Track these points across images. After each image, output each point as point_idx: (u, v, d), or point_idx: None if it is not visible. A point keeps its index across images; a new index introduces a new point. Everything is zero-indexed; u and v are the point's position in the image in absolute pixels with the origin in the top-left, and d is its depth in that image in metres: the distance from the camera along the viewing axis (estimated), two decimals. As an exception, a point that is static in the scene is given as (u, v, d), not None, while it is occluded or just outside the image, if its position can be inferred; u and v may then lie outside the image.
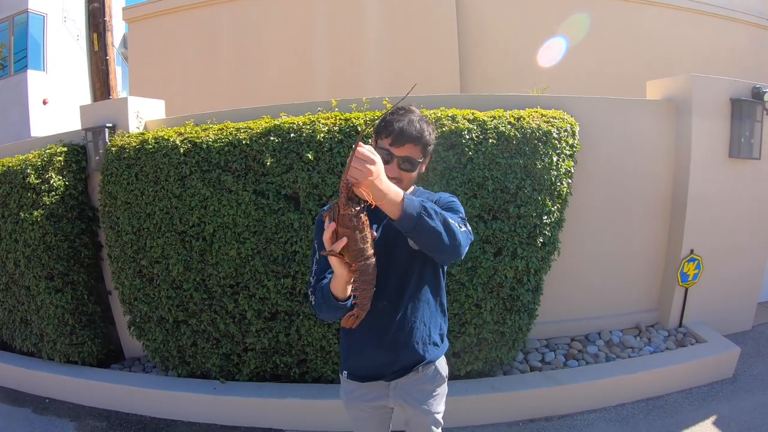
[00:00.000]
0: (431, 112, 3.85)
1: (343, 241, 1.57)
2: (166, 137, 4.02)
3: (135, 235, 4.10)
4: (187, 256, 3.94)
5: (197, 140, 3.89)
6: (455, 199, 2.03)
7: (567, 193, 4.07)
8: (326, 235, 1.60)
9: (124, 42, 9.04)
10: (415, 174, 1.96)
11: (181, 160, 3.87)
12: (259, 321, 3.89)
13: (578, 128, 4.25)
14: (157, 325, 4.26)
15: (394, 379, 2.08)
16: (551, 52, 7.10)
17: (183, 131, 4.06)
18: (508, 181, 3.81)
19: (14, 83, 12.37)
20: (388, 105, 3.97)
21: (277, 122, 3.80)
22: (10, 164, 4.87)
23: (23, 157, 4.86)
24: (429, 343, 2.06)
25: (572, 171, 4.13)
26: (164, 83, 6.96)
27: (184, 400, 4.19)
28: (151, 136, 4.12)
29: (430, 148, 1.97)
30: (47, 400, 4.79)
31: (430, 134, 1.95)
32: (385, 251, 1.87)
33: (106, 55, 5.73)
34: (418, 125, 1.90)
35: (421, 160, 1.95)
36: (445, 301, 2.16)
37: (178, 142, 3.93)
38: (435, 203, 1.94)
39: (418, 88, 4.22)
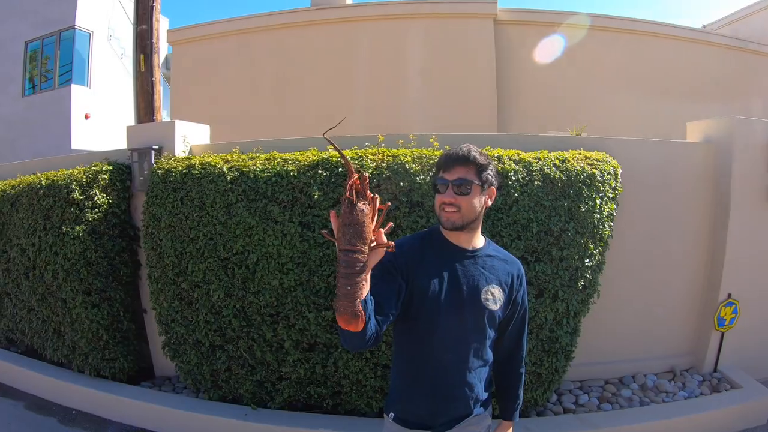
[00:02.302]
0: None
1: (334, 217, 1.50)
2: (213, 164, 3.81)
3: (177, 258, 3.87)
4: (229, 282, 3.70)
5: (244, 169, 3.67)
6: (523, 269, 1.92)
7: (609, 236, 3.83)
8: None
9: (166, 63, 8.91)
10: (474, 201, 1.74)
11: (228, 187, 3.65)
12: (297, 351, 3.63)
13: (620, 171, 4.02)
14: (192, 347, 4.01)
15: (443, 430, 1.88)
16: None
17: (230, 158, 3.85)
18: (552, 224, 3.58)
19: (58, 96, 12.25)
20: (435, 143, 3.75)
21: (324, 155, 3.58)
22: (55, 178, 4.66)
23: (68, 172, 4.66)
24: (481, 399, 1.89)
25: (614, 214, 3.89)
26: (205, 106, 6.78)
27: (214, 424, 3.93)
28: (197, 162, 3.91)
29: (487, 173, 1.76)
30: (74, 412, 4.54)
31: (485, 158, 1.76)
32: (455, 303, 1.73)
33: (152, 76, 5.55)
34: (465, 148, 1.75)
35: (476, 182, 1.73)
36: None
37: (225, 169, 3.71)
38: (511, 278, 1.85)
39: (457, 125, 4.06)
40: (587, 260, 3.68)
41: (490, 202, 1.80)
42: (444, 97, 6.48)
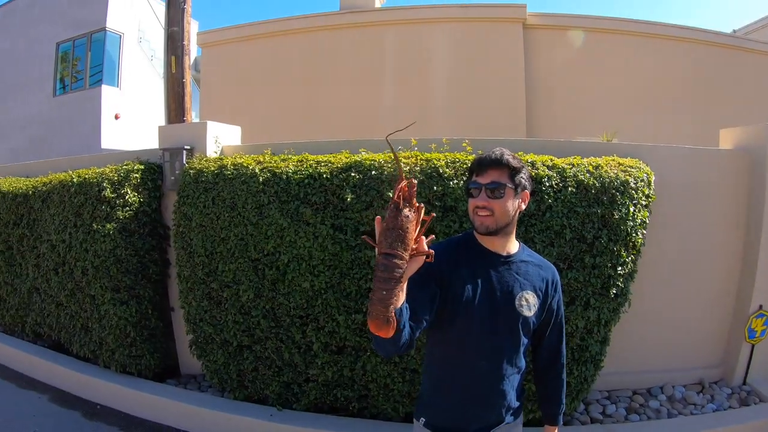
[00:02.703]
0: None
1: (378, 223, 1.47)
2: (245, 164, 3.76)
3: (207, 257, 3.83)
4: (259, 283, 3.64)
5: (277, 170, 3.63)
6: (558, 275, 1.89)
7: (641, 244, 3.72)
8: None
9: (196, 65, 8.93)
10: (507, 205, 1.69)
11: (260, 188, 3.61)
12: (325, 354, 3.57)
13: (653, 178, 3.91)
14: (219, 347, 3.97)
15: None
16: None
17: (262, 159, 3.80)
18: (585, 231, 3.48)
19: (88, 96, 12.34)
20: (468, 147, 3.68)
21: (357, 158, 3.52)
22: (87, 176, 4.66)
23: (99, 170, 4.65)
24: (513, 407, 1.84)
25: (647, 222, 3.78)
26: (234, 107, 6.77)
27: (239, 423, 3.88)
28: (230, 162, 3.87)
29: (520, 177, 1.72)
30: (98, 407, 4.52)
31: (518, 162, 1.72)
32: (490, 310, 1.69)
33: (182, 77, 5.54)
34: (498, 152, 1.72)
35: (509, 185, 1.69)
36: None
37: (257, 170, 3.67)
38: (546, 284, 1.81)
39: (485, 129, 3.99)
40: (620, 268, 3.57)
41: (523, 206, 1.76)
42: (472, 102, 6.38)
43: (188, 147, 4.33)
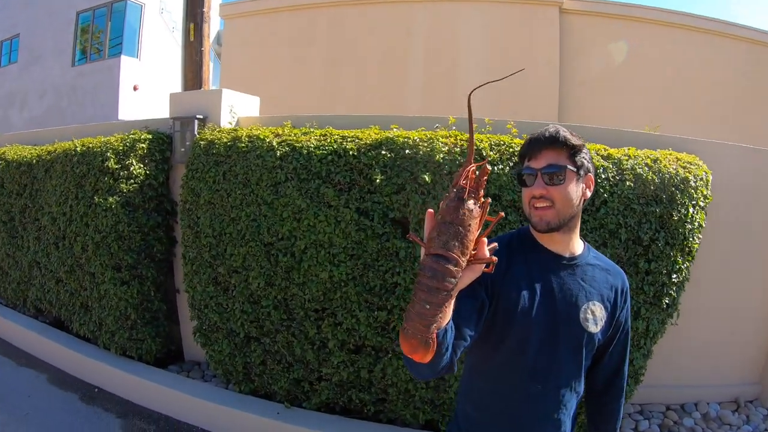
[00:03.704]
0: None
1: (431, 219, 1.10)
2: (261, 137, 3.22)
3: (215, 239, 3.31)
4: (271, 270, 3.11)
5: (297, 144, 3.07)
6: (627, 282, 1.52)
7: (696, 249, 3.18)
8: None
9: (218, 39, 8.36)
10: (570, 191, 1.34)
11: (277, 164, 3.06)
12: (342, 353, 3.04)
13: (711, 177, 3.34)
14: (225, 336, 3.47)
15: None
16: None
17: (281, 132, 3.25)
18: (642, 231, 2.93)
19: (107, 67, 11.68)
20: (513, 129, 3.12)
21: (389, 135, 2.96)
22: (91, 145, 4.13)
23: (105, 139, 4.12)
24: None
25: (704, 226, 3.23)
26: (256, 82, 6.17)
27: (242, 420, 3.38)
28: (244, 134, 3.32)
29: (582, 157, 1.36)
30: (96, 389, 4.05)
31: (577, 139, 1.36)
32: (549, 324, 1.36)
33: (201, 46, 4.99)
34: (553, 129, 1.37)
35: (570, 167, 1.33)
36: None
37: (275, 143, 3.12)
38: (615, 293, 1.45)
39: (515, 115, 3.47)
40: (674, 276, 3.04)
41: (588, 193, 1.39)
42: (503, 85, 5.78)
43: (201, 116, 3.78)
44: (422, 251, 1.07)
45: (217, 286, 3.36)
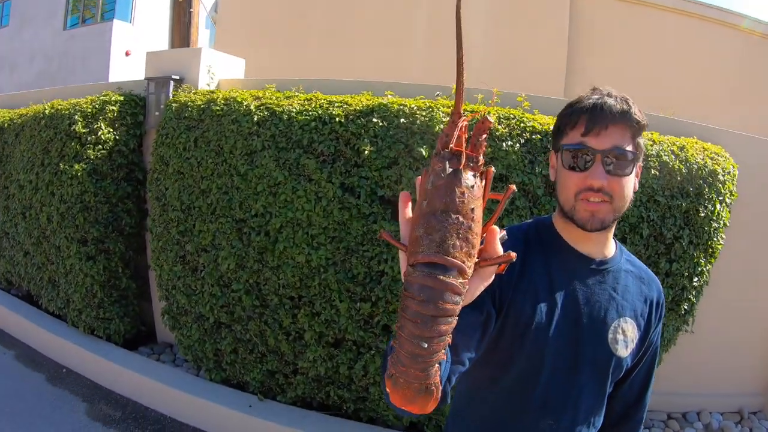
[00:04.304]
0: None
1: (405, 206, 0.69)
2: (239, 99, 2.75)
3: (183, 212, 2.85)
4: (243, 251, 2.66)
5: (277, 109, 2.60)
6: (663, 292, 1.16)
7: (719, 251, 2.78)
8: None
9: (215, 6, 7.82)
10: (629, 185, 1.00)
11: (254, 129, 2.59)
12: (319, 347, 2.61)
13: (738, 172, 2.91)
14: (194, 321, 3.05)
15: None
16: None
17: (261, 95, 2.79)
18: (665, 228, 2.51)
19: (99, 31, 10.93)
20: (525, 102, 2.66)
21: (382, 101, 2.50)
22: (60, 107, 3.68)
23: (74, 101, 3.67)
24: None
25: (728, 224, 2.82)
26: (252, 50, 5.61)
27: (212, 412, 3.00)
28: (221, 96, 2.86)
29: (641, 139, 1.00)
30: (65, 370, 3.66)
31: (643, 115, 1.00)
32: (570, 344, 1.02)
33: (190, 7, 4.50)
34: (622, 99, 0.99)
35: (636, 152, 0.99)
36: None
37: (252, 107, 2.66)
38: (649, 307, 1.10)
39: (520, 88, 3.03)
40: (695, 279, 2.63)
41: (637, 186, 1.04)
42: (508, 57, 5.22)
43: (177, 77, 3.30)
44: (402, 259, 0.67)
45: (185, 265, 2.92)
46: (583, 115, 0.98)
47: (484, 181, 0.68)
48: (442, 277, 0.61)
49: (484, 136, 0.67)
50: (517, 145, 2.33)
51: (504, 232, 0.71)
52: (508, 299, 0.99)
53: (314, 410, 2.94)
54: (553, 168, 1.07)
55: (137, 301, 3.70)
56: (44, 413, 3.14)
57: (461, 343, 0.86)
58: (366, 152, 2.35)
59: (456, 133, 0.66)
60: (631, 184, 0.99)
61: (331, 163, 2.46)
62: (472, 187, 0.65)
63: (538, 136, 2.41)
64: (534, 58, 5.38)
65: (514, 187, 0.72)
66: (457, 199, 0.63)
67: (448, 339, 0.65)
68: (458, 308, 0.64)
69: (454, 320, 0.64)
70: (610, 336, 1.04)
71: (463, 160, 0.65)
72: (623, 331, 1.05)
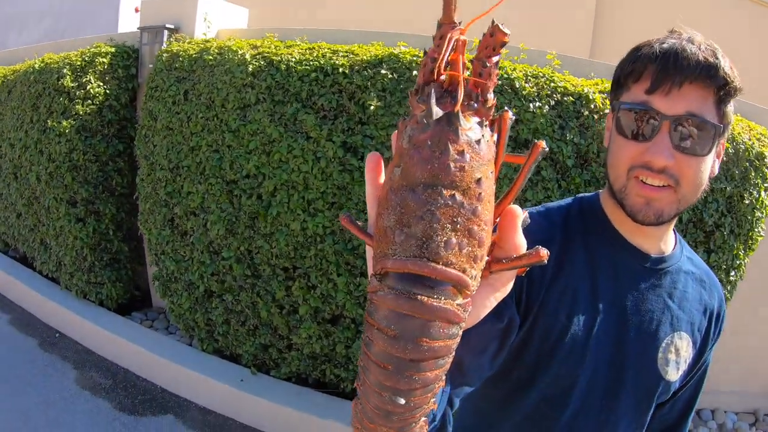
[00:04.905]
0: (606, 86, 2.20)
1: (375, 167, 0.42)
2: (233, 48, 2.40)
3: (171, 172, 2.53)
4: (233, 215, 2.34)
5: (275, 58, 2.25)
6: (724, 297, 0.88)
7: (758, 243, 2.44)
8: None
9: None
10: (704, 168, 0.69)
11: (248, 81, 2.24)
12: (314, 324, 2.32)
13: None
14: (184, 289, 2.76)
15: None
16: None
17: (259, 44, 2.44)
18: (707, 213, 2.16)
19: None
20: (555, 60, 2.28)
21: (393, 51, 2.15)
22: (50, 61, 3.35)
23: (64, 54, 3.34)
24: None
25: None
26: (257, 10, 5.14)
27: (203, 385, 2.77)
28: (215, 45, 2.52)
29: (731, 109, 0.69)
30: (57, 335, 3.44)
31: (735, 72, 0.67)
32: (611, 362, 0.75)
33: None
34: (706, 48, 0.67)
35: (720, 124, 0.67)
36: None
37: (248, 56, 2.31)
38: (708, 317, 0.82)
39: (545, 47, 2.66)
40: (732, 273, 2.31)
41: (716, 170, 0.73)
42: (531, 12, 4.73)
43: (171, 26, 2.95)
44: (369, 261, 0.42)
45: (173, 229, 2.62)
46: (651, 65, 0.69)
47: (496, 134, 0.41)
48: (425, 298, 0.36)
49: (496, 58, 0.39)
50: (546, 107, 1.97)
51: (527, 214, 0.44)
52: (539, 303, 0.73)
53: (309, 387, 2.69)
54: (608, 131, 0.77)
55: (130, 265, 3.44)
56: (34, 381, 2.93)
57: (472, 362, 0.63)
58: (372, 108, 2.00)
59: (446, 54, 0.38)
60: (708, 167, 0.70)
61: (332, 120, 2.11)
62: (478, 142, 0.37)
63: (570, 98, 2.05)
64: (559, 10, 4.89)
65: (543, 143, 0.42)
66: (451, 165, 0.36)
67: (440, 384, 0.40)
68: (455, 343, 0.39)
69: (448, 360, 0.40)
70: (660, 355, 0.78)
71: (460, 97, 0.36)
72: (676, 350, 0.80)
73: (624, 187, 0.71)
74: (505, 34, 0.38)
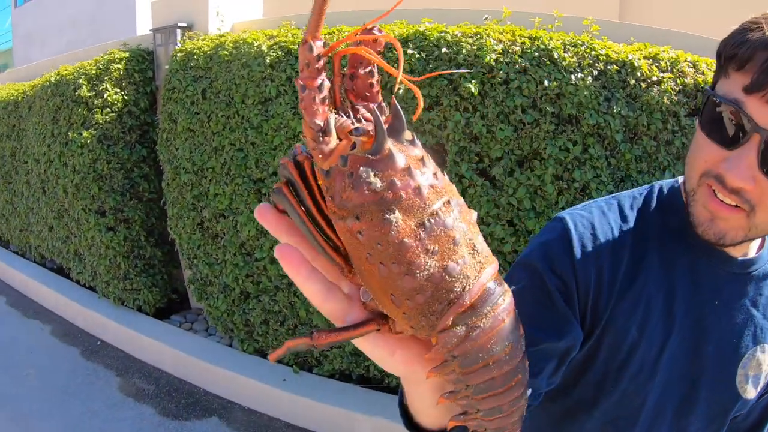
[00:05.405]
0: (649, 51, 1.96)
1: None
2: (249, 41, 2.24)
3: (196, 174, 2.40)
4: None
5: (292, 47, 2.08)
6: None
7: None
8: None
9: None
10: None
11: (266, 74, 2.08)
12: (356, 319, 2.22)
13: None
14: (220, 291, 2.66)
15: None
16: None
17: (276, 34, 2.27)
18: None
19: None
20: (594, 26, 2.06)
21: (419, 28, 1.96)
22: (65, 73, 3.24)
23: (79, 64, 3.22)
24: None
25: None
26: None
27: (244, 386, 2.68)
28: (229, 40, 2.36)
29: None
30: (98, 342, 3.40)
31: None
32: (681, 382, 0.65)
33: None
34: None
35: None
36: None
37: (264, 47, 2.14)
38: None
39: (570, 9, 2.44)
40: None
41: None
42: None
43: (183, 24, 2.80)
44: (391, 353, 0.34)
45: (203, 233, 2.50)
46: (760, 52, 0.52)
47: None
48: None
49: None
50: (589, 78, 1.75)
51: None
52: (607, 314, 0.63)
53: (353, 383, 2.58)
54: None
55: (165, 269, 3.35)
56: (78, 390, 2.89)
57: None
58: (400, 91, 1.82)
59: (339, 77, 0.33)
60: None
61: (359, 107, 1.94)
62: (422, 159, 0.32)
63: (615, 67, 1.82)
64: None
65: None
66: (438, 173, 0.32)
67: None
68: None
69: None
70: (740, 371, 0.67)
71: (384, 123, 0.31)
72: (758, 364, 0.68)
73: (693, 191, 0.59)
74: (379, 35, 0.32)
